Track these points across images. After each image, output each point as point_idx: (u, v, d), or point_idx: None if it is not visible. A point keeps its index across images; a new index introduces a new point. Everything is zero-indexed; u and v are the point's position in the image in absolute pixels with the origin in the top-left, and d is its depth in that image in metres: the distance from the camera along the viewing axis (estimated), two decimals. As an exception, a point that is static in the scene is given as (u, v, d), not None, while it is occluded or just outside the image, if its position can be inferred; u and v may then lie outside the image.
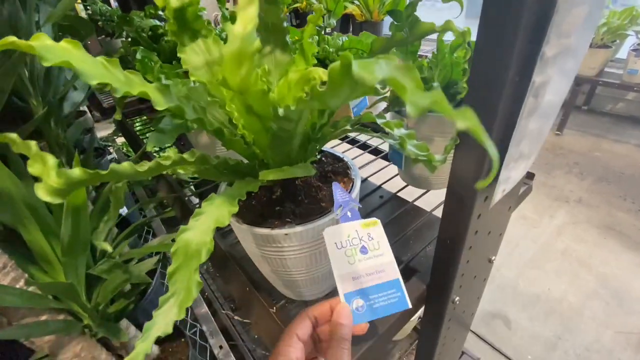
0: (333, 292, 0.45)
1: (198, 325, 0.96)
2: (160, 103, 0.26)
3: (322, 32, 0.76)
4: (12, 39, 0.20)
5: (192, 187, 0.76)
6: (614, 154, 2.03)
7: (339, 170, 0.41)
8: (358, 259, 0.31)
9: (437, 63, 0.55)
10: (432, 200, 0.57)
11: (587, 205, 1.66)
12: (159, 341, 0.70)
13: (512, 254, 1.45)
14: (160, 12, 0.98)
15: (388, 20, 2.90)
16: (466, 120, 0.15)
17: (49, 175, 0.21)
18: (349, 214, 0.33)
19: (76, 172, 0.21)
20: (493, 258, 0.50)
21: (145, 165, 0.25)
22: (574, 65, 0.30)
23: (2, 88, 0.44)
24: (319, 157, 0.43)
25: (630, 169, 1.88)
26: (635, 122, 2.30)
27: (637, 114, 2.33)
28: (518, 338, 1.14)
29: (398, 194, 0.62)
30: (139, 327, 0.67)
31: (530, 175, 0.59)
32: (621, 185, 1.76)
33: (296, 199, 0.36)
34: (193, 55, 0.32)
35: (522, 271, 1.37)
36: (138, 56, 0.57)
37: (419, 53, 0.57)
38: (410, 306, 0.31)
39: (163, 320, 0.23)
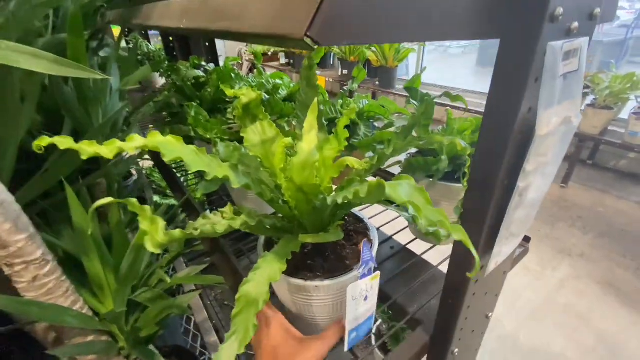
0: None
1: (207, 353, 1.01)
2: (235, 182, 0.34)
3: (346, 97, 0.86)
4: (139, 139, 0.29)
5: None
6: (617, 210, 2.07)
7: (360, 230, 0.48)
8: (361, 304, 0.40)
9: (450, 135, 0.64)
10: (435, 255, 0.64)
11: (589, 260, 1.69)
12: (175, 367, 0.75)
13: (514, 306, 1.47)
14: (202, 63, 1.12)
15: (402, 67, 3.09)
16: (459, 234, 0.23)
17: (157, 233, 0.30)
18: (366, 271, 0.40)
19: (177, 233, 0.30)
20: (490, 314, 0.56)
21: (221, 227, 0.34)
22: (553, 169, 0.38)
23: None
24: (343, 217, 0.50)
25: (632, 227, 1.92)
26: (636, 179, 2.36)
27: (639, 172, 2.40)
28: (517, 392, 1.15)
29: (407, 246, 0.69)
30: (158, 350, 0.72)
31: (526, 239, 0.65)
32: (622, 243, 1.80)
33: (324, 255, 0.43)
34: (252, 135, 0.42)
35: (523, 323, 1.39)
36: (192, 113, 0.68)
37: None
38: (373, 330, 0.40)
39: (226, 354, 0.30)
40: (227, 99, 0.92)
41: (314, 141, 0.36)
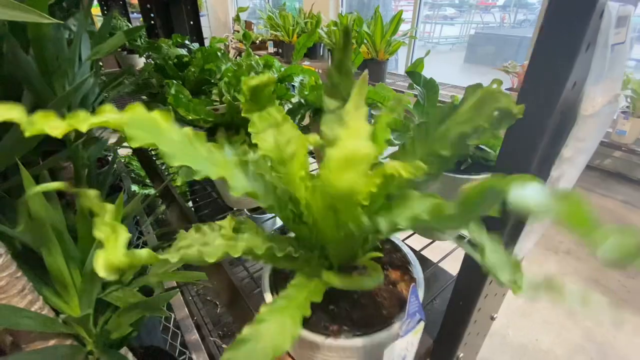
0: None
1: (187, 352, 0.95)
2: (237, 189, 0.27)
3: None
4: (109, 116, 0.20)
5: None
6: (602, 208, 2.11)
7: (396, 262, 0.37)
8: None
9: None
10: (435, 251, 0.60)
11: (576, 257, 1.71)
12: (153, 369, 0.69)
13: (503, 302, 1.47)
14: (186, 42, 1.04)
15: (392, 60, 3.05)
16: None
17: (115, 251, 0.19)
18: (412, 325, 0.30)
19: (143, 254, 0.20)
20: (495, 315, 0.52)
21: (212, 257, 0.25)
22: (585, 159, 0.34)
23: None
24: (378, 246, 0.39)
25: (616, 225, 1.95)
26: (622, 178, 2.41)
27: (623, 171, 2.45)
28: (506, 389, 1.14)
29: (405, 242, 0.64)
30: (133, 351, 0.66)
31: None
32: (607, 240, 1.82)
33: (352, 298, 0.33)
34: (262, 128, 0.34)
35: (511, 319, 1.39)
36: (172, 91, 0.61)
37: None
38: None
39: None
40: (211, 80, 0.85)
41: (366, 129, 0.23)
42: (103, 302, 0.52)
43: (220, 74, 0.85)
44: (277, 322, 0.23)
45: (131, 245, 1.10)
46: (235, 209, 0.79)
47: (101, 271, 0.18)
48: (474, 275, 0.36)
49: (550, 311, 1.42)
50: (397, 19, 2.45)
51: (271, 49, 4.41)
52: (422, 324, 0.31)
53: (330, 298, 0.33)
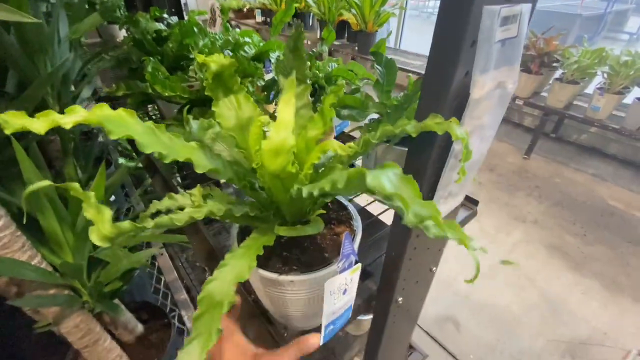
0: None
1: (177, 309, 1.04)
2: (199, 166, 0.32)
3: (314, 58, 0.84)
4: (79, 112, 0.25)
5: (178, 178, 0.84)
6: (572, 181, 2.22)
7: (343, 218, 0.45)
8: (339, 298, 0.37)
9: (409, 102, 0.66)
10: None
11: (541, 226, 1.84)
12: (144, 320, 0.78)
13: (469, 265, 1.60)
14: (165, 15, 1.05)
15: (382, 31, 3.02)
16: (453, 232, 0.24)
17: (103, 225, 0.26)
18: (347, 265, 0.37)
19: (126, 225, 0.27)
20: (434, 268, 0.61)
21: (182, 219, 0.31)
22: (491, 133, 0.40)
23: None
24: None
25: (583, 197, 2.08)
26: (595, 153, 2.52)
27: (598, 146, 2.55)
28: (464, 339, 1.28)
29: (366, 207, 0.72)
30: (126, 305, 0.74)
31: (474, 202, 0.70)
32: (573, 211, 1.95)
33: (302, 246, 0.40)
34: (225, 109, 0.39)
35: (476, 282, 1.52)
36: (149, 68, 0.65)
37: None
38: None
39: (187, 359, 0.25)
40: (189, 56, 0.88)
41: (290, 123, 0.31)
42: (95, 260, 0.59)
43: (198, 50, 0.88)
44: (237, 261, 0.31)
45: (122, 215, 1.16)
46: (215, 179, 0.86)
47: (97, 241, 0.25)
48: (401, 228, 0.44)
49: (511, 275, 1.56)
50: (385, -10, 2.41)
51: (259, 18, 4.28)
52: (359, 265, 0.38)
53: (284, 247, 0.40)
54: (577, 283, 1.52)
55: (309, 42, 3.59)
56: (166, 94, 0.64)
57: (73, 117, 0.25)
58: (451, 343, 1.25)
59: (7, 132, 0.23)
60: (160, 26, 0.96)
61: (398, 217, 0.44)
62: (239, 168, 0.39)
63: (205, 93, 0.39)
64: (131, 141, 0.29)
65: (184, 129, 0.43)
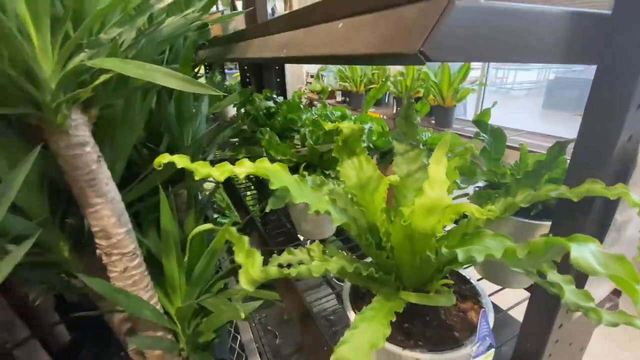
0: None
1: (250, 376, 1.00)
2: (336, 220, 0.34)
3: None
4: (247, 165, 0.29)
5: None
6: None
7: (466, 293, 0.41)
8: None
9: (519, 171, 0.62)
10: (505, 298, 0.59)
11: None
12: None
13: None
14: (273, 96, 1.23)
15: (460, 107, 3.05)
16: None
17: (254, 269, 0.28)
18: (482, 349, 0.33)
19: (273, 270, 0.29)
20: (574, 373, 0.49)
21: (317, 271, 0.31)
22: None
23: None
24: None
25: None
26: None
27: None
28: None
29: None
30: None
31: (617, 293, 0.57)
32: None
33: (424, 319, 0.37)
34: (349, 169, 0.42)
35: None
36: (266, 137, 0.74)
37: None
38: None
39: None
40: (294, 127, 0.99)
41: (444, 181, 0.30)
42: (195, 311, 0.62)
43: (300, 122, 0.99)
44: (369, 326, 0.29)
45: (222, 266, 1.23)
46: (303, 238, 0.88)
47: (244, 285, 0.27)
48: (542, 316, 0.37)
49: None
50: (466, 69, 2.50)
51: (339, 98, 4.76)
52: (492, 351, 0.33)
53: (405, 318, 0.37)
54: None
55: (385, 117, 3.78)
56: (278, 157, 0.71)
57: (244, 168, 0.29)
58: None
59: (197, 177, 0.28)
60: (270, 104, 1.13)
61: (536, 302, 0.37)
62: (361, 225, 0.39)
63: (333, 154, 0.43)
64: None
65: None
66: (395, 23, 0.21)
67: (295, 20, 0.36)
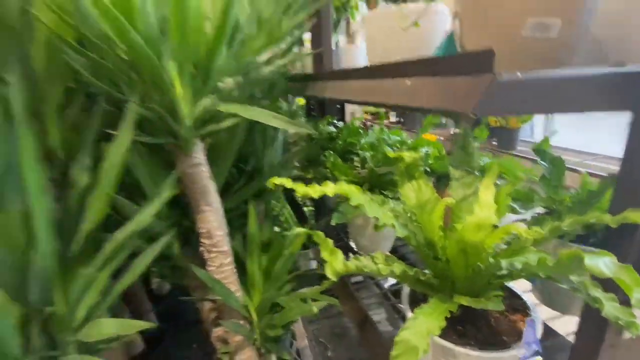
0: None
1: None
2: (400, 232, 0.43)
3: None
4: (330, 186, 0.41)
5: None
6: None
7: (517, 307, 0.46)
8: None
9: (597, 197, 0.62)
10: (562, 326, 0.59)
11: None
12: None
13: None
14: (334, 121, 1.36)
15: (525, 128, 2.89)
16: None
17: (337, 263, 0.37)
18: (528, 354, 0.37)
19: (351, 265, 0.38)
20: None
21: (384, 271, 0.40)
22: None
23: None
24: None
25: None
26: None
27: None
28: None
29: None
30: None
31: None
32: None
33: (476, 324, 0.42)
34: (409, 191, 0.50)
35: None
36: (331, 159, 0.85)
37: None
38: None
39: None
40: (353, 150, 1.09)
41: (492, 204, 0.37)
42: (270, 307, 0.73)
43: (359, 146, 1.09)
44: (427, 318, 0.36)
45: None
46: (359, 252, 0.96)
47: (330, 275, 0.36)
48: (593, 336, 0.39)
49: None
50: (529, 91, 2.40)
51: (393, 119, 4.80)
52: (538, 358, 0.37)
53: (457, 320, 0.43)
54: None
55: (442, 138, 3.72)
56: (341, 178, 0.81)
57: (330, 188, 0.39)
58: None
59: (298, 194, 0.38)
60: (331, 129, 1.25)
61: (587, 321, 0.40)
62: (420, 239, 0.46)
63: (394, 178, 0.51)
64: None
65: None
66: (453, 87, 0.30)
67: (371, 73, 0.46)
